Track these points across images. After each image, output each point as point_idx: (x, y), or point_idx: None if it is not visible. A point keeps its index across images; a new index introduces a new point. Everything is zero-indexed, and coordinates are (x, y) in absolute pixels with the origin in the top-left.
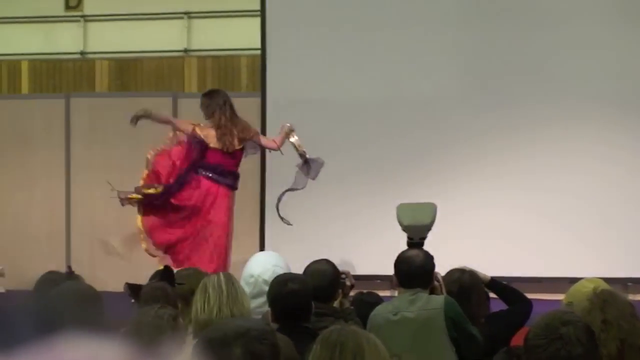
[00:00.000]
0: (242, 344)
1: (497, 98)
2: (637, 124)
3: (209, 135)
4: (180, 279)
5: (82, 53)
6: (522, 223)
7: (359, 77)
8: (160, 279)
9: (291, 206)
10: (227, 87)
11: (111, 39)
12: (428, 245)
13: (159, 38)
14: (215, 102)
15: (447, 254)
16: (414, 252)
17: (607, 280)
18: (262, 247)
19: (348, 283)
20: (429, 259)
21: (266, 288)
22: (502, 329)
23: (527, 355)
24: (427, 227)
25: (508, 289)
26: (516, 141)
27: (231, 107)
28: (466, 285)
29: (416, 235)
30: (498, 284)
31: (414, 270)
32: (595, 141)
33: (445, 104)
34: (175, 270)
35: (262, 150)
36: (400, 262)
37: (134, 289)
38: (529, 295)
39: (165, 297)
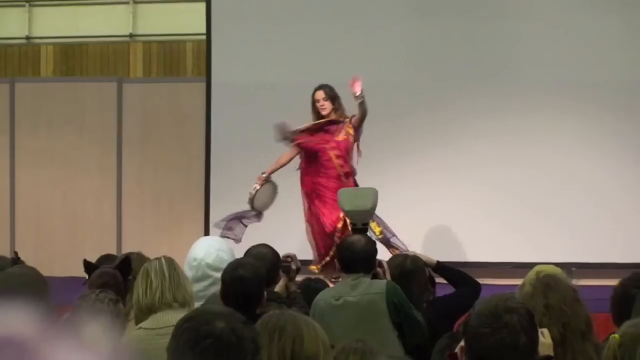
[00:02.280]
0: (226, 320)
1: (442, 88)
2: (580, 112)
3: None
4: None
5: (27, 38)
6: (469, 212)
7: (303, 62)
8: (118, 267)
9: (236, 192)
10: (173, 72)
11: (56, 24)
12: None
13: (104, 23)
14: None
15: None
16: (356, 237)
17: (551, 265)
18: (206, 233)
19: (293, 267)
20: (370, 244)
21: (209, 272)
22: (445, 313)
23: (469, 342)
24: (369, 213)
25: (455, 273)
26: (462, 133)
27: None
28: (408, 269)
29: (359, 221)
30: (445, 268)
31: (356, 255)
32: (543, 130)
33: (389, 92)
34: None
35: (207, 136)
36: (343, 247)
37: (90, 267)
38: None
39: (115, 285)
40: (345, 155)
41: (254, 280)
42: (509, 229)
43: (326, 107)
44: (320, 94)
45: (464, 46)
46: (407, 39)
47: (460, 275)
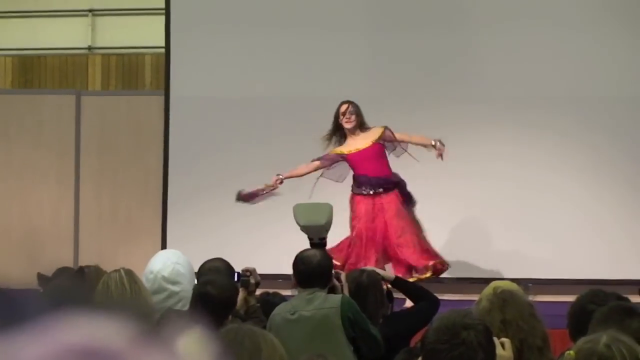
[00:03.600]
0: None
1: (405, 99)
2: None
3: None
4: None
5: None
6: (428, 226)
7: (263, 75)
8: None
9: (194, 205)
10: (131, 85)
11: (15, 36)
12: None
13: (63, 35)
14: None
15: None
16: (312, 252)
17: (508, 280)
18: (164, 246)
19: (252, 280)
20: (326, 258)
21: (165, 284)
22: (402, 328)
23: (427, 358)
24: (324, 228)
25: (413, 287)
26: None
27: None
28: (364, 284)
29: (315, 236)
30: (403, 283)
31: (311, 269)
32: (509, 143)
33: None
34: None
35: (165, 150)
36: (298, 261)
37: (43, 280)
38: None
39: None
40: None
41: (220, 297)
42: (467, 243)
43: (352, 120)
44: (345, 107)
45: (431, 61)
46: (373, 53)
47: (419, 290)
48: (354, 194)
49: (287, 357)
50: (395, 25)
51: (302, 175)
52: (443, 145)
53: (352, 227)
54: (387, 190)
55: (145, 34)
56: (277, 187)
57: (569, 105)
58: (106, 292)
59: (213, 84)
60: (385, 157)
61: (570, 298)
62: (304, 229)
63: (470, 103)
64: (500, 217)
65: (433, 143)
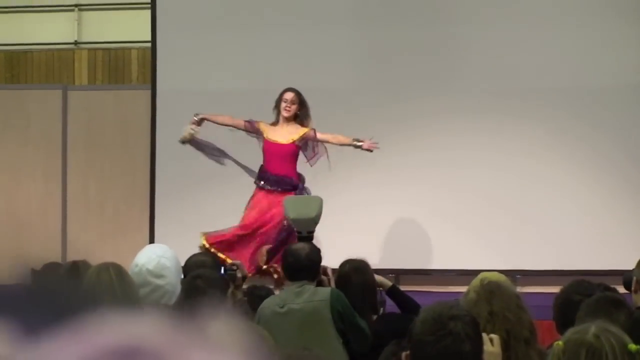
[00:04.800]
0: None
1: (393, 93)
2: (536, 118)
3: None
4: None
5: None
6: (417, 217)
7: (249, 69)
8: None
9: (182, 199)
10: (118, 80)
11: (1, 31)
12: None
13: (49, 30)
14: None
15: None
16: (300, 245)
17: (496, 272)
18: (151, 240)
19: (239, 274)
20: (315, 252)
21: (150, 278)
22: (392, 330)
23: (414, 350)
24: (314, 221)
25: (406, 299)
26: (413, 134)
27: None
28: (345, 273)
29: (304, 229)
30: (398, 293)
31: (300, 263)
32: (495, 134)
33: (339, 98)
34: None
35: (152, 144)
36: (287, 255)
37: (35, 276)
38: (420, 288)
39: None
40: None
41: (211, 290)
42: (454, 235)
43: (292, 110)
44: (290, 95)
45: (418, 53)
46: (359, 45)
47: (411, 303)
48: (256, 186)
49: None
50: (381, 18)
51: (220, 124)
52: (366, 140)
53: (244, 217)
54: (285, 190)
55: (131, 28)
56: (196, 125)
57: (559, 96)
58: (94, 287)
59: (200, 78)
60: (295, 160)
61: (558, 289)
62: (294, 222)
63: (458, 94)
64: (489, 208)
65: (351, 142)
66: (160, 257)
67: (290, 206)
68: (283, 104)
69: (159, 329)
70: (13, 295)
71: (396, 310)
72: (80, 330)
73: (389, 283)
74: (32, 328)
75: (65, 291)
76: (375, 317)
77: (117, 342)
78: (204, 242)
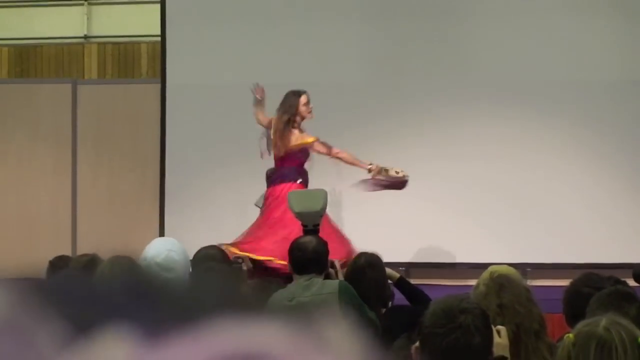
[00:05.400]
0: None
1: (401, 88)
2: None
3: None
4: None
5: None
6: (427, 211)
7: (259, 62)
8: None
9: (192, 193)
10: (127, 74)
11: (11, 25)
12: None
13: (59, 24)
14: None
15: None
16: (308, 238)
17: (506, 265)
18: (161, 234)
19: (244, 267)
20: (322, 245)
21: (158, 271)
22: (404, 321)
23: (424, 343)
24: (319, 214)
25: (414, 290)
26: (421, 129)
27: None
28: (360, 265)
29: (309, 222)
30: (406, 283)
31: (307, 256)
32: (505, 128)
33: (348, 94)
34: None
35: (162, 138)
36: (294, 248)
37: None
38: (430, 281)
39: None
40: None
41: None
42: (465, 229)
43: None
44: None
45: (426, 48)
46: (368, 41)
47: (419, 294)
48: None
49: None
50: (390, 12)
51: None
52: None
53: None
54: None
55: (141, 22)
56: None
57: (570, 90)
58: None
59: (209, 72)
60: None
61: (568, 282)
62: (299, 215)
63: (467, 88)
64: (498, 201)
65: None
66: (169, 251)
67: (295, 200)
68: (305, 108)
69: (282, 334)
70: (133, 297)
71: (404, 302)
72: (200, 335)
73: (396, 275)
74: (151, 332)
75: (184, 293)
76: (384, 310)
77: (240, 347)
78: (236, 251)
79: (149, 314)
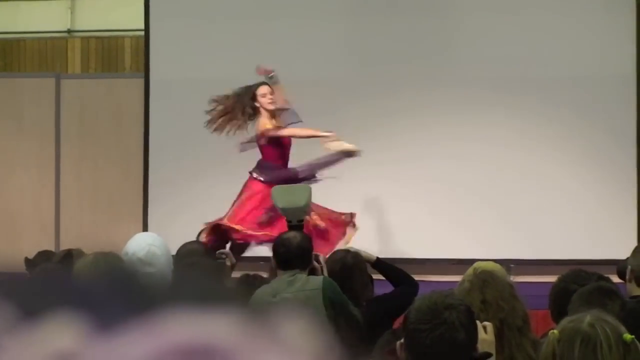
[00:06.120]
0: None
1: (386, 86)
2: (523, 107)
3: None
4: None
5: None
6: (409, 207)
7: (242, 58)
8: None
9: (175, 188)
10: (111, 68)
11: None
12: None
13: (42, 18)
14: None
15: None
16: (292, 234)
17: (490, 261)
18: (145, 229)
19: (228, 263)
20: (306, 240)
21: (139, 266)
22: (384, 312)
23: (408, 339)
24: (303, 210)
25: (394, 270)
26: (404, 128)
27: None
28: (349, 264)
29: (294, 218)
30: (384, 265)
31: (291, 251)
32: (487, 126)
33: (333, 89)
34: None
35: (146, 133)
36: (278, 244)
37: (29, 264)
38: (416, 277)
39: None
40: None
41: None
42: (449, 225)
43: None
44: (267, 89)
45: (414, 46)
46: (348, 36)
47: (399, 273)
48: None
49: None
50: (376, 9)
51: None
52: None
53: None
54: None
55: (124, 17)
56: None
57: (549, 87)
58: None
59: (193, 66)
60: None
61: (552, 278)
62: (283, 211)
63: (449, 87)
64: (483, 198)
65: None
66: (150, 245)
67: (278, 195)
68: (266, 98)
69: (233, 329)
70: (88, 288)
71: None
72: (152, 326)
73: (373, 257)
74: (106, 322)
75: (141, 284)
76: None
77: (189, 340)
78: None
79: (113, 304)
